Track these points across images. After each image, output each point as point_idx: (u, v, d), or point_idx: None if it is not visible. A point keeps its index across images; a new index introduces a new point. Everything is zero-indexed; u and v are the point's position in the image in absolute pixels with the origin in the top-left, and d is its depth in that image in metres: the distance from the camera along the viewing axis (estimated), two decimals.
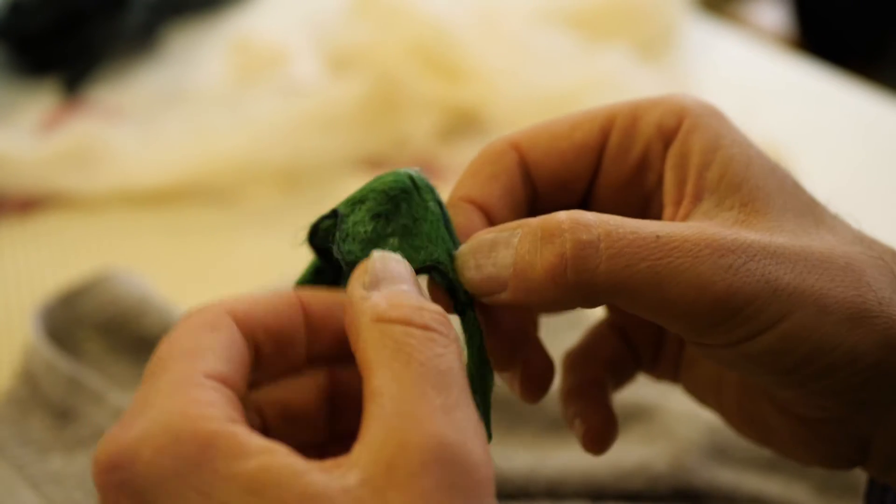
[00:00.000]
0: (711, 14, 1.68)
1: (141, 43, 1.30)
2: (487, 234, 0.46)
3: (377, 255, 0.44)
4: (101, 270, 0.81)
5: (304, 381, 0.46)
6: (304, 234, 0.49)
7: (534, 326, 0.55)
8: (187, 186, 1.03)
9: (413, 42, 1.16)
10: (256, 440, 0.37)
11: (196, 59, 1.31)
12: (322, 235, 0.48)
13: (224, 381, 0.40)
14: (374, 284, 0.42)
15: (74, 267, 0.83)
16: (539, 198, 0.51)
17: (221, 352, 0.41)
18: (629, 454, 0.70)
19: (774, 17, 2.86)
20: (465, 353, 0.43)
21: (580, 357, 0.57)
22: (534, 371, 0.52)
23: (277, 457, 0.36)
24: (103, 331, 0.79)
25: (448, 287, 0.47)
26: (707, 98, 0.51)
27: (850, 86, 1.35)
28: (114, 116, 1.16)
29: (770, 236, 0.44)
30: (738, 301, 0.42)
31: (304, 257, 0.93)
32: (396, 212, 0.47)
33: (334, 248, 0.46)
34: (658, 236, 0.43)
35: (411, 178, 0.48)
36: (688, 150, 0.48)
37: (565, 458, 0.70)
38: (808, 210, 0.47)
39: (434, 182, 0.50)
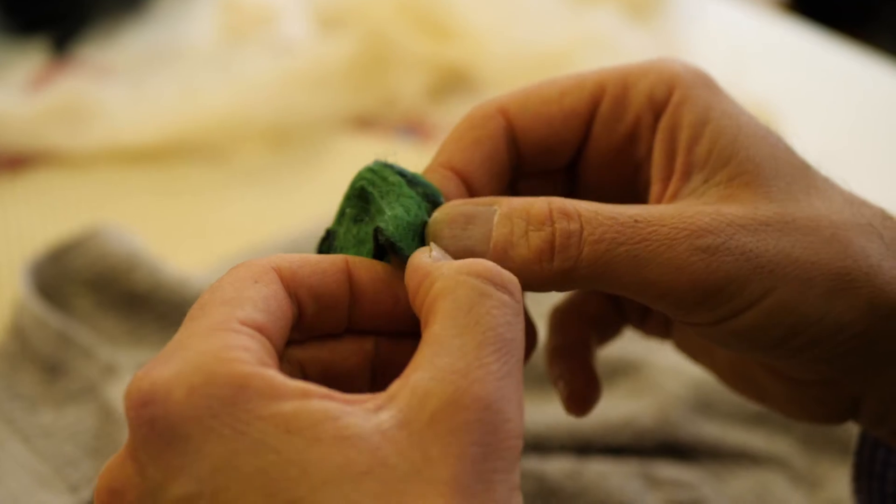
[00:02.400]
0: None
1: (130, 1, 1.29)
2: (464, 206, 0.46)
3: (434, 246, 0.45)
4: (91, 226, 0.81)
5: (347, 345, 0.46)
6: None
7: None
8: (177, 144, 1.03)
9: (401, 0, 1.16)
10: (291, 383, 0.37)
11: (185, 18, 1.31)
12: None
13: (260, 329, 0.40)
14: (437, 259, 0.43)
15: (64, 224, 0.83)
16: (523, 163, 0.51)
17: (261, 303, 0.41)
18: (615, 408, 0.71)
19: None
20: None
21: (567, 315, 0.57)
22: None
23: (313, 399, 0.37)
24: (92, 286, 0.79)
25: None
26: (698, 60, 0.51)
27: (842, 48, 1.35)
28: (103, 75, 1.15)
29: (755, 209, 0.45)
30: (718, 280, 0.43)
31: (292, 215, 0.93)
32: (368, 205, 0.48)
33: None
34: (636, 220, 0.44)
35: (369, 169, 0.48)
36: (677, 124, 0.48)
37: (552, 412, 0.70)
38: (800, 175, 0.47)
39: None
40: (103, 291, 0.79)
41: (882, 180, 1.09)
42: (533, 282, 0.45)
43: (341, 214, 0.49)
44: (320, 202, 0.95)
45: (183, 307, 0.77)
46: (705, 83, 0.49)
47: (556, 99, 0.50)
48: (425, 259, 0.43)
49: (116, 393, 0.70)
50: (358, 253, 0.47)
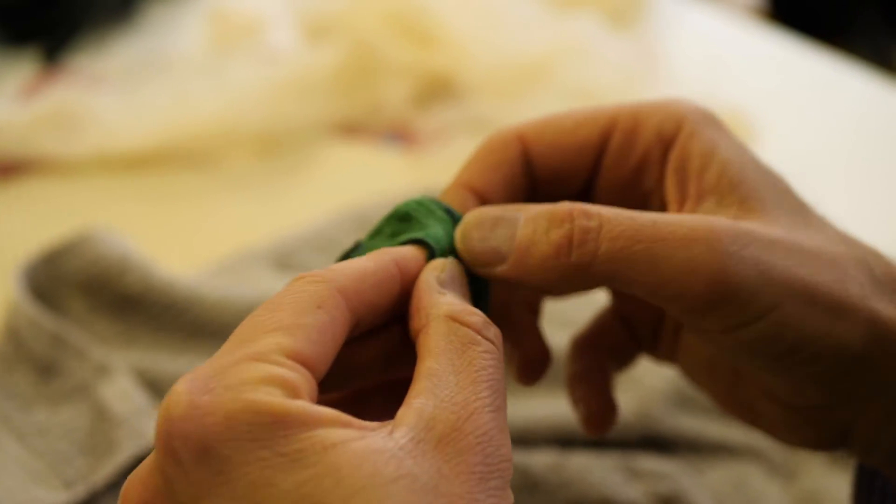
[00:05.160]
0: None
1: (120, 12, 1.30)
2: (492, 210, 0.49)
3: (452, 261, 0.48)
4: (84, 230, 0.82)
5: (374, 341, 0.48)
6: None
7: (536, 315, 0.58)
8: (167, 151, 1.04)
9: (388, 9, 1.17)
10: (324, 412, 0.38)
11: (174, 28, 1.32)
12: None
13: (306, 362, 0.40)
14: (445, 283, 0.46)
15: (56, 230, 0.83)
16: (538, 189, 0.54)
17: (316, 334, 0.41)
18: None
19: None
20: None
21: (585, 343, 0.60)
22: (531, 356, 0.56)
23: (340, 429, 0.38)
24: (86, 289, 0.79)
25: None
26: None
27: (820, 56, 1.36)
28: (94, 84, 1.16)
29: (767, 227, 0.47)
30: (731, 285, 0.45)
31: (281, 219, 0.94)
32: (407, 224, 0.50)
33: None
34: (655, 221, 0.46)
35: (416, 200, 0.51)
36: (687, 155, 0.50)
37: (535, 406, 0.72)
38: (798, 210, 0.50)
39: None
40: (96, 294, 0.80)
41: (858, 186, 1.10)
42: (552, 277, 0.47)
43: (377, 232, 0.51)
44: (308, 207, 0.97)
45: (173, 309, 0.78)
46: (711, 121, 0.52)
47: (571, 130, 0.53)
48: (433, 281, 0.46)
49: (109, 392, 0.71)
50: None
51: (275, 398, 0.38)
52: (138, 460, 0.65)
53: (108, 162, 1.03)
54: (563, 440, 0.71)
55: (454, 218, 0.50)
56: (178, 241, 0.95)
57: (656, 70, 1.21)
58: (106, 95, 1.10)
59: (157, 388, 0.74)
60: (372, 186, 1.00)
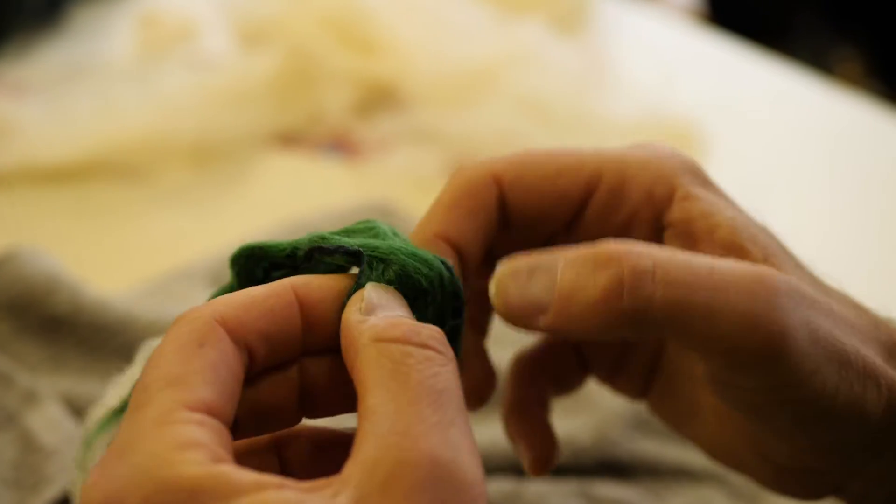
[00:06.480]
0: None
1: (46, 16, 1.27)
2: (526, 258, 0.46)
3: (371, 285, 0.43)
4: (7, 249, 0.79)
5: (280, 378, 0.44)
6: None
7: (482, 335, 0.55)
8: (95, 163, 1.02)
9: (326, 15, 1.16)
10: (245, 477, 0.36)
11: (102, 34, 1.30)
12: (253, 264, 0.47)
13: (210, 409, 0.38)
14: (369, 310, 0.42)
15: None
16: (511, 229, 0.51)
17: (210, 374, 0.39)
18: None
19: None
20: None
21: (527, 367, 0.57)
22: (476, 380, 0.53)
23: (268, 490, 0.35)
24: (10, 311, 0.77)
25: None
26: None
27: (760, 59, 1.37)
28: (18, 92, 1.14)
29: (805, 286, 0.45)
30: (787, 344, 0.42)
31: (217, 234, 0.92)
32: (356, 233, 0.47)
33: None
34: (712, 269, 0.43)
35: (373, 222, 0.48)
36: (689, 218, 0.48)
37: (490, 433, 0.70)
38: (804, 270, 0.48)
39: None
40: (21, 316, 0.77)
41: (803, 188, 1.11)
42: (600, 324, 0.43)
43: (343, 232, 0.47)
44: (245, 221, 0.96)
45: (104, 331, 0.76)
46: (702, 180, 0.50)
47: (552, 177, 0.50)
48: (355, 315, 0.42)
49: (37, 421, 0.69)
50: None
51: (189, 467, 0.35)
52: (69, 495, 0.63)
53: (33, 175, 1.01)
54: (518, 468, 0.69)
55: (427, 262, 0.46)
56: (109, 259, 0.93)
57: (603, 76, 1.21)
58: (30, 105, 1.08)
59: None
60: (312, 198, 0.98)
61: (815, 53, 2.08)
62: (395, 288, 0.44)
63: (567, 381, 0.58)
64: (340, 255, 0.45)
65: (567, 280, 0.44)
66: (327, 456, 0.44)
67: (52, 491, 0.64)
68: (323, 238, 0.45)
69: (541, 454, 0.55)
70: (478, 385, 0.53)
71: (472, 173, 0.50)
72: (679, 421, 0.56)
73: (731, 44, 1.42)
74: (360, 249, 0.45)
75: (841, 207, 1.12)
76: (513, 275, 0.45)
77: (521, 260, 0.46)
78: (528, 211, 0.50)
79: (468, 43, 1.17)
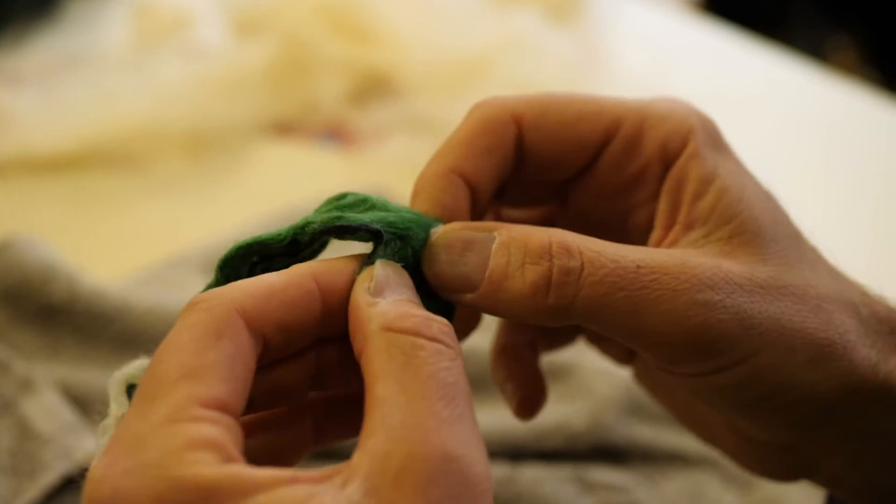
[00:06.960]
0: None
1: (41, 7, 1.27)
2: (462, 231, 0.46)
3: (380, 262, 0.43)
4: (4, 238, 0.79)
5: (298, 363, 0.44)
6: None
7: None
8: (91, 152, 1.02)
9: (320, 3, 1.16)
10: (257, 475, 0.36)
11: (98, 23, 1.29)
12: (240, 262, 0.46)
13: (223, 406, 0.38)
14: (378, 291, 0.42)
15: None
16: (523, 172, 0.50)
17: (226, 369, 0.38)
18: (548, 413, 0.70)
19: None
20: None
21: None
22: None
23: (282, 486, 0.35)
24: (6, 299, 0.77)
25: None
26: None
27: (756, 48, 1.37)
28: (14, 82, 1.13)
29: (752, 270, 0.45)
30: (711, 337, 0.43)
31: (212, 223, 0.92)
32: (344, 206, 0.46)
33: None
34: (639, 266, 0.43)
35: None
36: (685, 177, 0.48)
37: (483, 418, 0.69)
38: (794, 242, 0.48)
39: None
40: (18, 304, 0.77)
41: (799, 176, 1.11)
42: (526, 315, 0.44)
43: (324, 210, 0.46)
44: (240, 209, 0.95)
45: (101, 319, 0.76)
46: (715, 141, 0.50)
47: (572, 122, 0.49)
48: (364, 295, 0.42)
49: (33, 408, 0.69)
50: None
51: (203, 468, 0.35)
52: (67, 481, 0.64)
53: (29, 164, 1.01)
54: (512, 453, 0.69)
55: (420, 220, 0.46)
56: (105, 248, 0.92)
57: (598, 65, 1.20)
58: (26, 94, 1.07)
59: (84, 403, 0.71)
60: (307, 187, 0.97)
61: (810, 42, 2.08)
62: (412, 262, 0.45)
63: (558, 338, 0.58)
64: (364, 233, 0.45)
65: (498, 266, 0.44)
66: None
67: (49, 478, 0.64)
68: (339, 217, 0.45)
69: (528, 393, 0.55)
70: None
71: (491, 110, 0.49)
72: (658, 392, 0.56)
73: (727, 32, 1.41)
74: (380, 228, 0.44)
75: (837, 195, 1.12)
76: (446, 247, 0.45)
77: (456, 231, 0.46)
78: (545, 154, 0.50)
79: (463, 31, 1.17)
